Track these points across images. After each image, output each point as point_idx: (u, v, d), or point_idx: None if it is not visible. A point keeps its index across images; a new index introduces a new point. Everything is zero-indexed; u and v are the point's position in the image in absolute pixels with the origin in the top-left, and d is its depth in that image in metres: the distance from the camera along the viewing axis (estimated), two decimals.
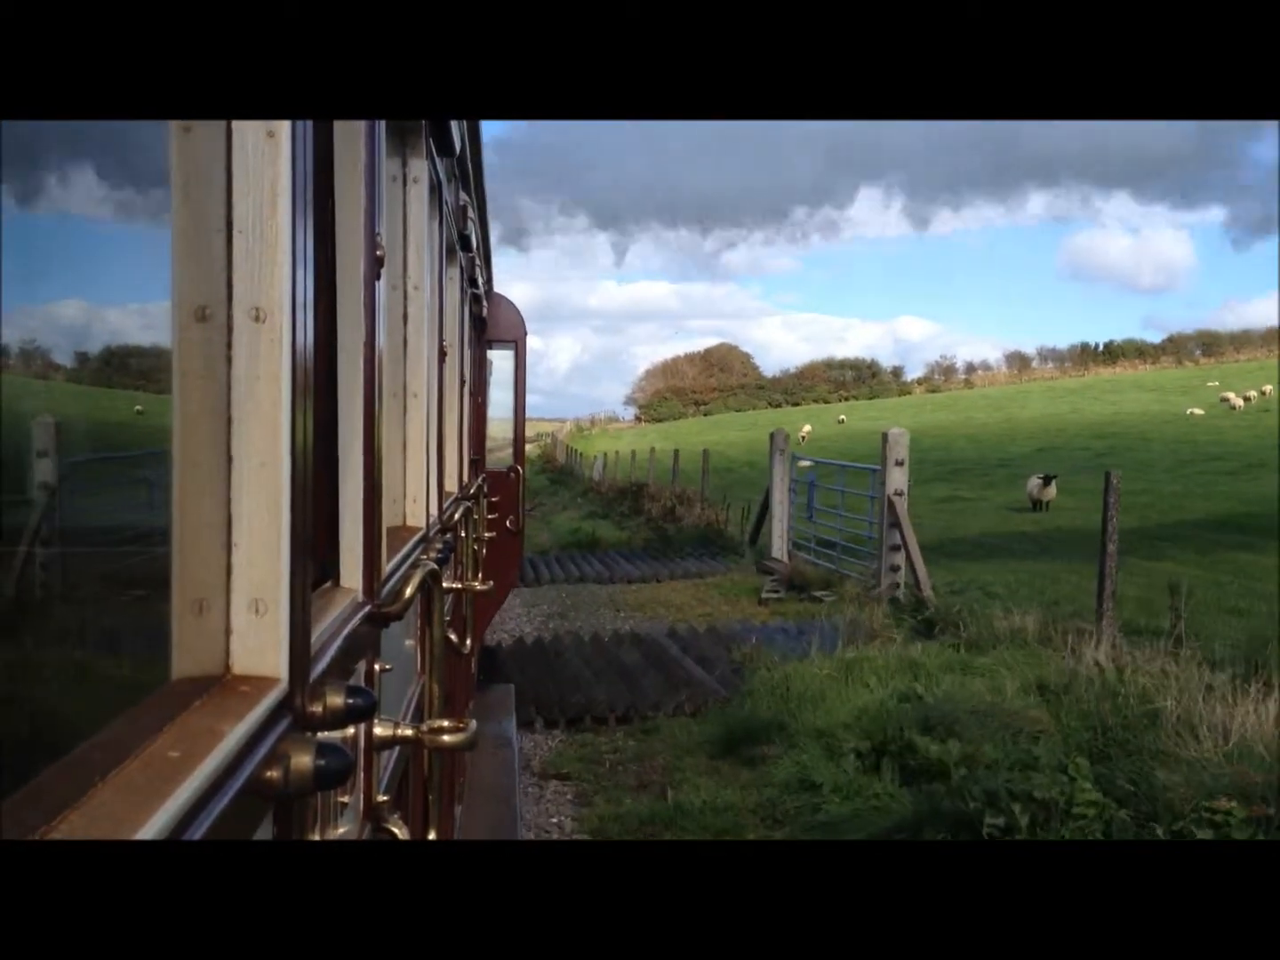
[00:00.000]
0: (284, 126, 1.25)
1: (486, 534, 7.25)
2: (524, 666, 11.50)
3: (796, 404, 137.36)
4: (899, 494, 15.11)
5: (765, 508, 20.17)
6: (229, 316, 1.21)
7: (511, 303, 10.90)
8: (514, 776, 7.70)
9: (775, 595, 16.33)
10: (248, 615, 1.23)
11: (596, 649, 12.51)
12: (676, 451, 31.83)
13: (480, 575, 6.08)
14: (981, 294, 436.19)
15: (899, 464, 15.12)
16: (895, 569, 14.85)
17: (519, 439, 11.15)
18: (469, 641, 5.12)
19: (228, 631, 1.22)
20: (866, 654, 10.55)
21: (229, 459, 1.22)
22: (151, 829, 0.84)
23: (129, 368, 1.17)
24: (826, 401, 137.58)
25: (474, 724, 2.18)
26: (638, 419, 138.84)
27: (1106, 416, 68.50)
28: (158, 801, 0.88)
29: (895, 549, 14.90)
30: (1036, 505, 28.68)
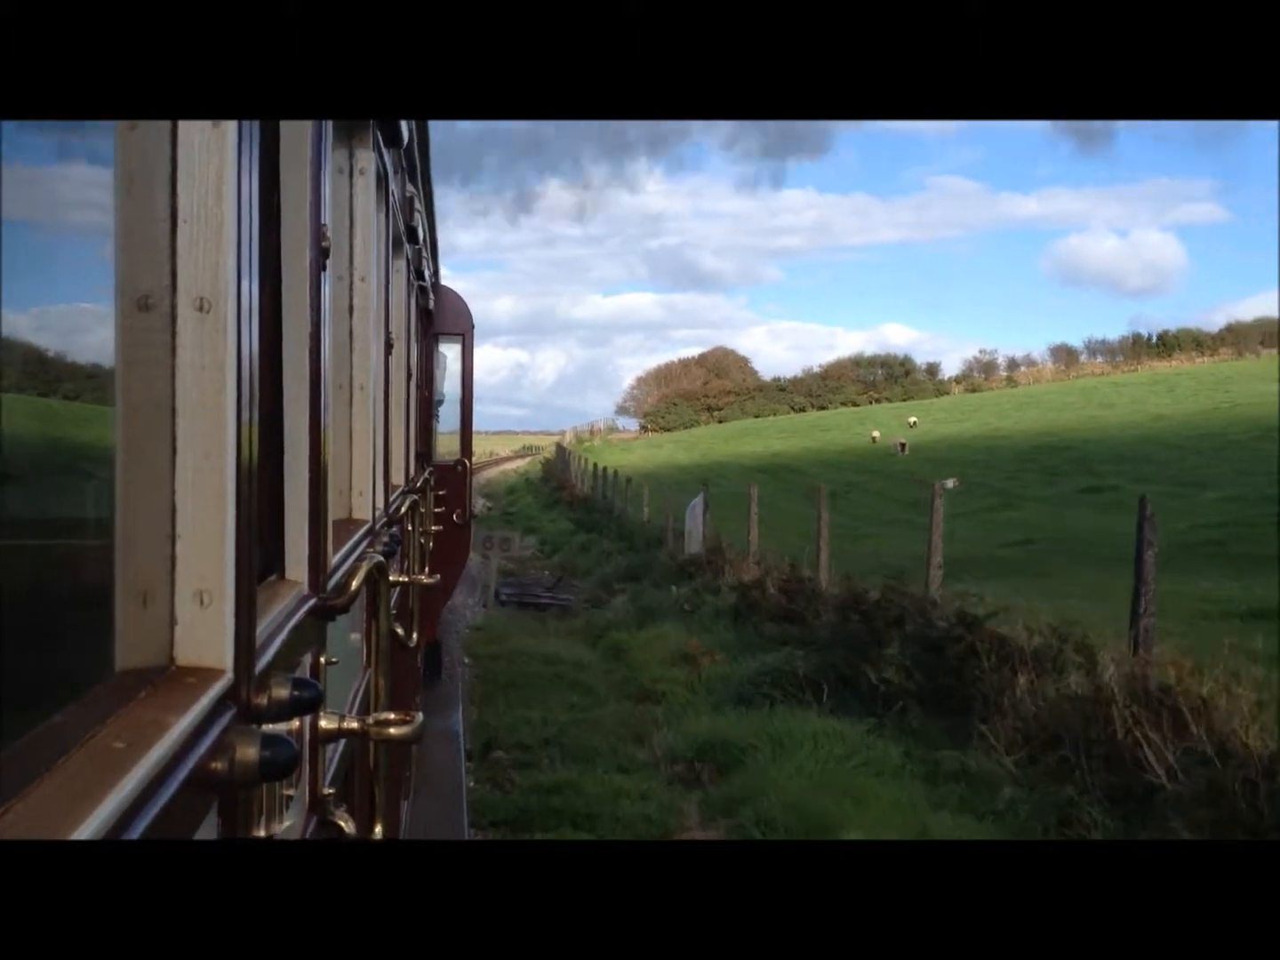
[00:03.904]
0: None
1: (434, 527, 7.22)
2: None
3: (823, 407, 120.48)
4: None
5: None
6: (173, 306, 1.20)
7: (459, 295, 10.88)
8: (460, 771, 7.68)
9: None
10: (192, 607, 1.22)
11: None
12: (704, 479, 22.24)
13: (427, 568, 6.06)
14: (963, 299, 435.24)
15: None
16: None
17: (467, 432, 11.13)
18: (415, 635, 5.10)
19: (172, 623, 1.21)
20: None
21: (173, 450, 1.21)
22: (97, 820, 0.84)
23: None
24: (855, 404, 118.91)
25: (420, 716, 2.18)
26: (643, 428, 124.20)
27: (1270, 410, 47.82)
28: (103, 792, 0.88)
29: None
30: None
